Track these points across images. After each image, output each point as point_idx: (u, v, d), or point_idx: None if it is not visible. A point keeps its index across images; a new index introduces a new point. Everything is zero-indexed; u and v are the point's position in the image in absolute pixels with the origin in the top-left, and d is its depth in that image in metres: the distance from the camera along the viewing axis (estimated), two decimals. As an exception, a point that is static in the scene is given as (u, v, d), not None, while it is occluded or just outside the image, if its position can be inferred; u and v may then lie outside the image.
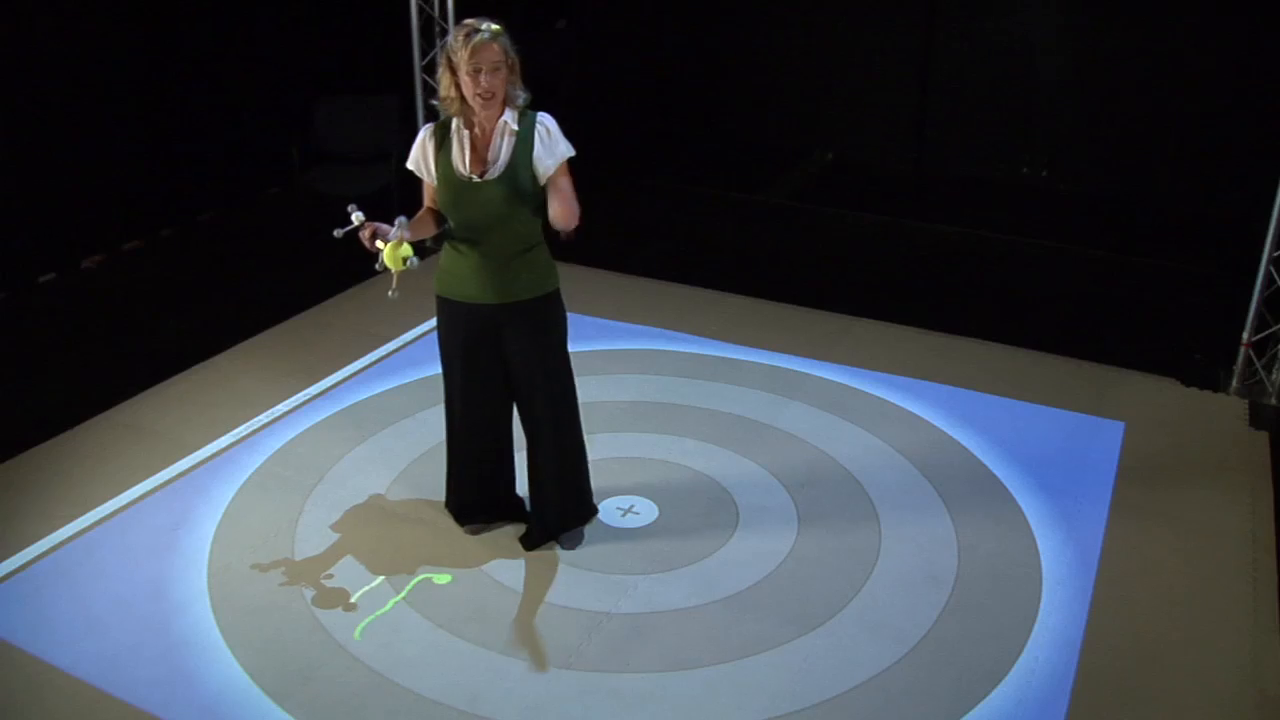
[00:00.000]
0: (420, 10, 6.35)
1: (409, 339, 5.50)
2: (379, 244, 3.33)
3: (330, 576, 3.79)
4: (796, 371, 5.17)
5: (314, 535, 4.00)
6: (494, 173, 3.41)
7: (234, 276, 6.33)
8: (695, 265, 5.98)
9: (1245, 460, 4.50)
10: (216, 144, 6.96)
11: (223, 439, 4.60)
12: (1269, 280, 4.94)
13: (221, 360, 5.30)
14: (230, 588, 3.72)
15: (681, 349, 5.31)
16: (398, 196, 6.71)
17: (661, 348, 5.31)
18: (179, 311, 5.86)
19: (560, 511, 3.96)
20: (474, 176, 3.42)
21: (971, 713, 3.22)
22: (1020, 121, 7.65)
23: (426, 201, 3.63)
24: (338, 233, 3.35)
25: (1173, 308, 5.97)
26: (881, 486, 4.29)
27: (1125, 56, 7.18)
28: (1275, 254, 4.88)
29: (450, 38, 3.36)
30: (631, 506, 4.15)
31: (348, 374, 5.15)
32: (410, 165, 3.57)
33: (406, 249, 3.34)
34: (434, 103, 3.49)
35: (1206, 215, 6.97)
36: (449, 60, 3.34)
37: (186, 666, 3.37)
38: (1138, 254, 6.55)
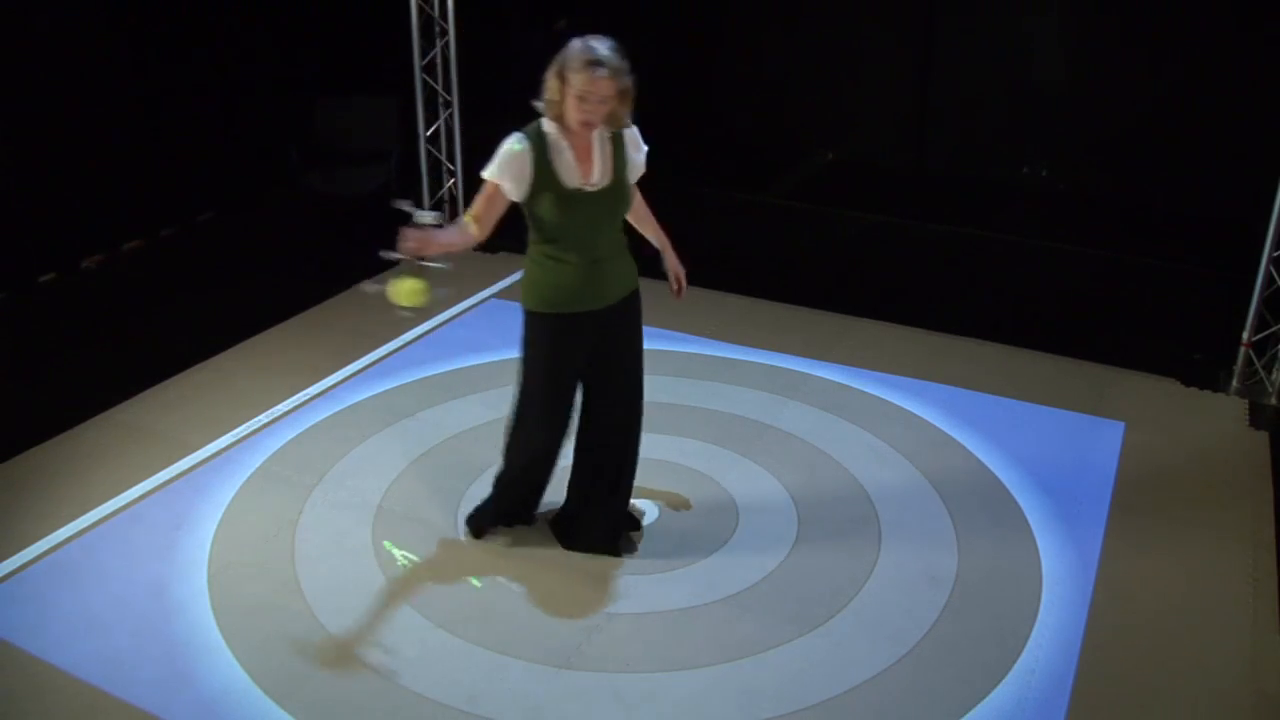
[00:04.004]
0: (420, 10, 6.35)
1: (409, 339, 5.50)
2: (402, 280, 3.28)
3: (330, 576, 3.79)
4: (796, 371, 5.17)
5: (314, 535, 4.00)
6: (601, 181, 3.40)
7: (234, 276, 6.33)
8: (695, 265, 5.96)
9: (1245, 460, 4.50)
10: (216, 144, 6.96)
11: (223, 439, 4.60)
12: (1269, 280, 4.94)
13: (221, 360, 5.30)
14: (230, 588, 3.72)
15: (681, 349, 5.31)
16: (397, 197, 6.72)
17: (661, 348, 5.30)
18: (179, 311, 5.86)
19: (621, 517, 3.96)
20: (584, 186, 3.37)
21: (971, 713, 3.22)
22: (1020, 121, 7.64)
23: (489, 214, 3.44)
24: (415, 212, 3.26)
25: (1173, 308, 5.97)
26: (881, 487, 4.29)
27: (1125, 57, 7.17)
28: (1275, 254, 4.88)
29: (572, 51, 3.24)
30: (632, 506, 4.15)
31: (348, 374, 5.15)
32: (500, 177, 3.36)
33: (421, 284, 3.25)
34: (536, 104, 3.36)
35: (1206, 215, 6.96)
36: (561, 71, 3.26)
37: (186, 666, 3.37)
38: (1138, 254, 6.54)
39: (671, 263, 3.72)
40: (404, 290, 3.29)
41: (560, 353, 3.56)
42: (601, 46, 3.24)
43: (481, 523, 3.99)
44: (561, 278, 3.46)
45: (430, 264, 3.31)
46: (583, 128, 3.31)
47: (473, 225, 3.43)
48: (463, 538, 3.98)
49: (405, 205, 3.30)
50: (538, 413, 3.67)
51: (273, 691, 3.28)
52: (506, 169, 3.35)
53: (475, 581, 3.77)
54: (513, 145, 3.35)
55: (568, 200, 3.36)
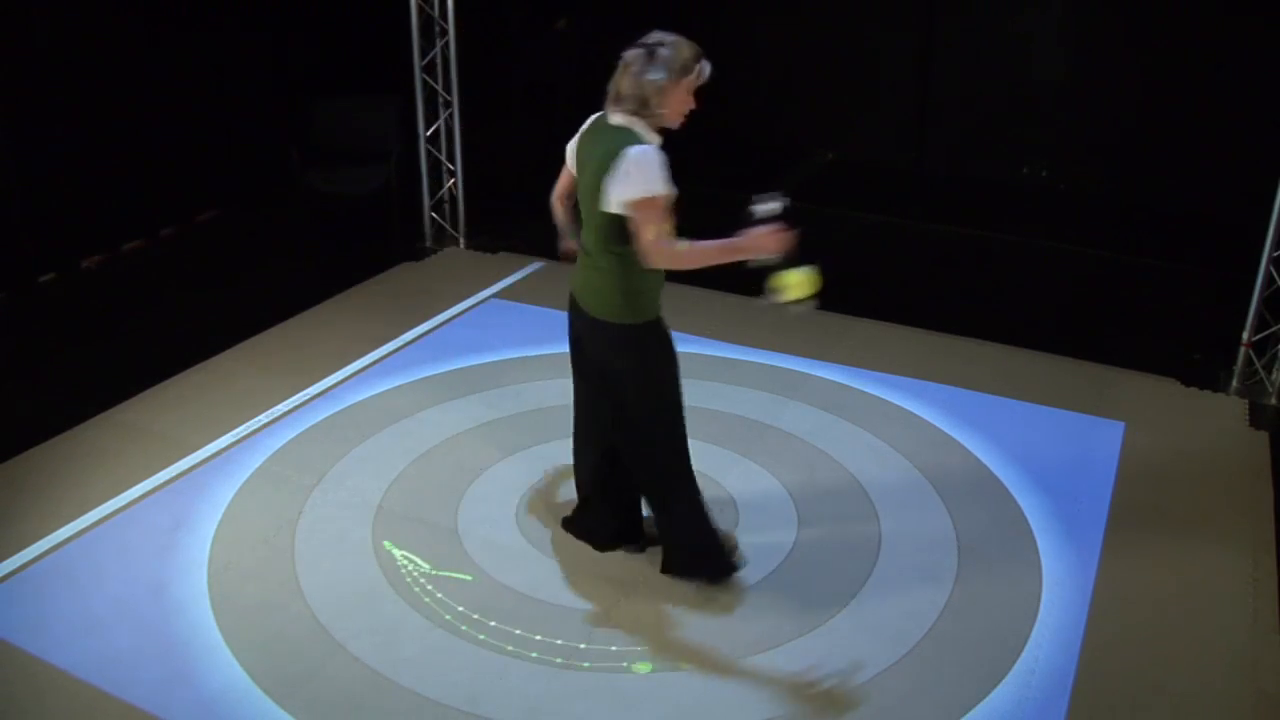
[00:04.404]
0: (420, 10, 6.35)
1: (409, 339, 5.50)
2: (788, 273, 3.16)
3: (330, 576, 3.79)
4: (796, 371, 5.17)
5: (314, 535, 4.00)
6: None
7: (234, 276, 6.33)
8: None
9: (1245, 460, 4.50)
10: (216, 144, 6.96)
11: (223, 439, 4.60)
12: (1269, 280, 4.94)
13: (221, 360, 5.30)
14: (230, 588, 3.72)
15: (681, 349, 5.29)
16: (397, 197, 6.73)
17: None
18: (179, 311, 5.86)
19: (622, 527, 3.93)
20: None
21: (971, 713, 3.22)
22: (1020, 121, 7.65)
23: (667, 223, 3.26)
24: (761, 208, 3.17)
25: (1173, 308, 5.97)
26: (881, 486, 4.29)
27: (1126, 56, 7.18)
28: (1275, 254, 4.88)
29: (683, 51, 3.20)
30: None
31: (348, 374, 5.15)
32: (667, 186, 3.21)
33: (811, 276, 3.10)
34: (657, 113, 3.22)
35: (1206, 215, 6.97)
36: (681, 75, 3.19)
37: (186, 666, 3.37)
38: (1138, 254, 6.55)
39: (748, 239, 3.39)
40: (797, 282, 3.19)
41: (673, 357, 3.50)
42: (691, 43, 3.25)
43: (728, 564, 3.75)
44: (654, 284, 3.40)
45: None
46: (676, 123, 3.27)
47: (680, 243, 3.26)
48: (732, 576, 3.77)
49: (764, 199, 3.21)
50: (678, 411, 3.55)
51: (273, 691, 3.28)
52: (666, 174, 3.21)
53: (467, 576, 3.77)
54: (655, 152, 3.20)
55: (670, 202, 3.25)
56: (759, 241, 3.24)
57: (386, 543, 3.97)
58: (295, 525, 4.05)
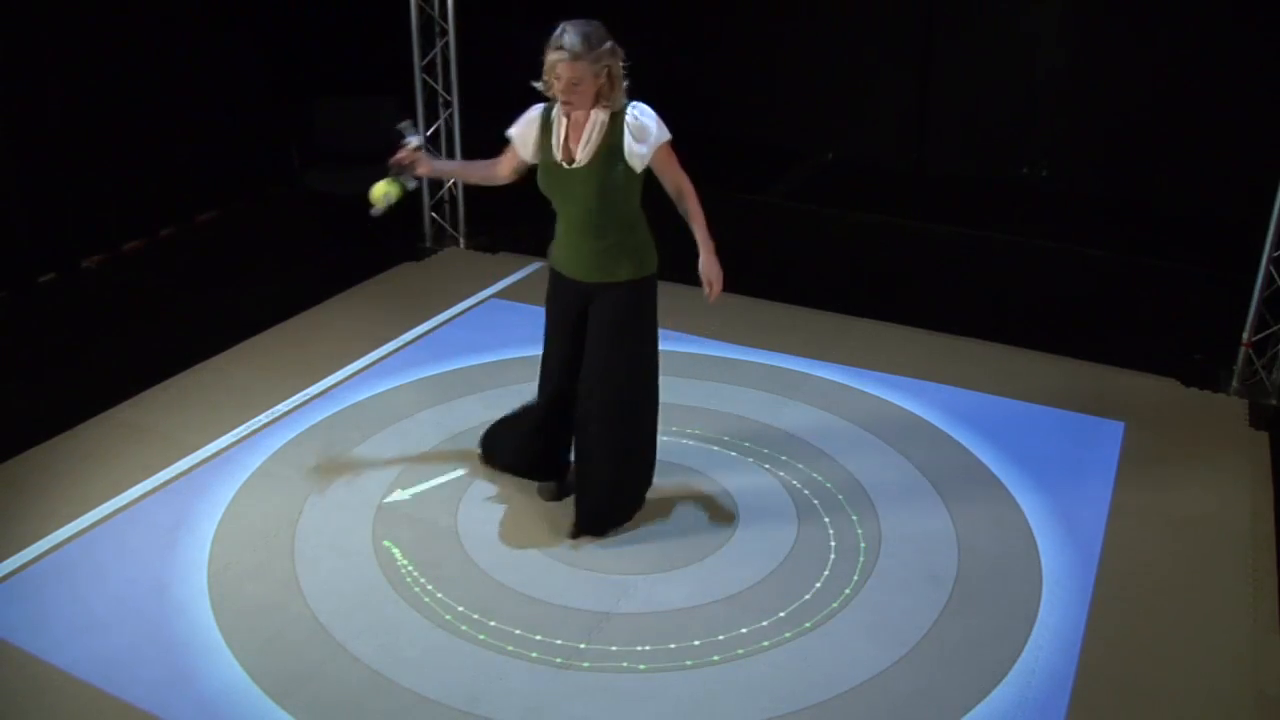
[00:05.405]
0: (420, 10, 6.35)
1: (409, 339, 5.50)
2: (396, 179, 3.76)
3: (330, 576, 3.78)
4: (796, 371, 5.17)
5: (314, 535, 4.00)
6: (581, 162, 3.58)
7: (234, 276, 6.33)
8: (695, 265, 5.98)
9: (1245, 460, 4.50)
10: (216, 144, 6.96)
11: (223, 439, 4.59)
12: (1269, 280, 4.94)
13: (221, 360, 5.30)
14: (230, 588, 3.72)
15: (681, 349, 5.31)
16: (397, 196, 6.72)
17: (662, 348, 5.29)
18: (179, 311, 5.86)
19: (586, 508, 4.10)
20: (564, 163, 3.60)
21: (971, 713, 3.22)
22: (1020, 121, 7.64)
23: (503, 164, 3.85)
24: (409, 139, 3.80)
25: (1173, 308, 5.97)
26: (881, 486, 4.29)
27: (1125, 56, 7.18)
28: (1275, 254, 4.88)
29: (554, 32, 3.48)
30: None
31: (348, 374, 5.15)
32: (513, 133, 3.72)
33: (391, 190, 3.75)
34: (536, 84, 3.59)
35: (1206, 215, 6.97)
36: (546, 53, 3.50)
37: (186, 666, 3.37)
38: (1138, 254, 6.54)
39: (705, 264, 3.68)
40: (378, 190, 3.74)
41: (550, 303, 3.94)
42: (573, 30, 3.44)
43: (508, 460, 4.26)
44: (557, 235, 3.82)
45: (407, 181, 3.79)
46: (565, 107, 3.53)
47: (495, 166, 3.87)
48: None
49: (404, 126, 3.86)
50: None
51: (273, 691, 3.28)
52: (519, 129, 3.70)
53: (469, 582, 3.77)
54: (530, 111, 3.68)
55: (548, 172, 3.65)
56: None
57: (386, 542, 3.97)
58: (295, 525, 4.05)
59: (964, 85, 7.77)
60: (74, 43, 6.14)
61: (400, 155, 3.77)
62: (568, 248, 3.77)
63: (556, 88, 3.49)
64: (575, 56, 3.41)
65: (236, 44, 7.05)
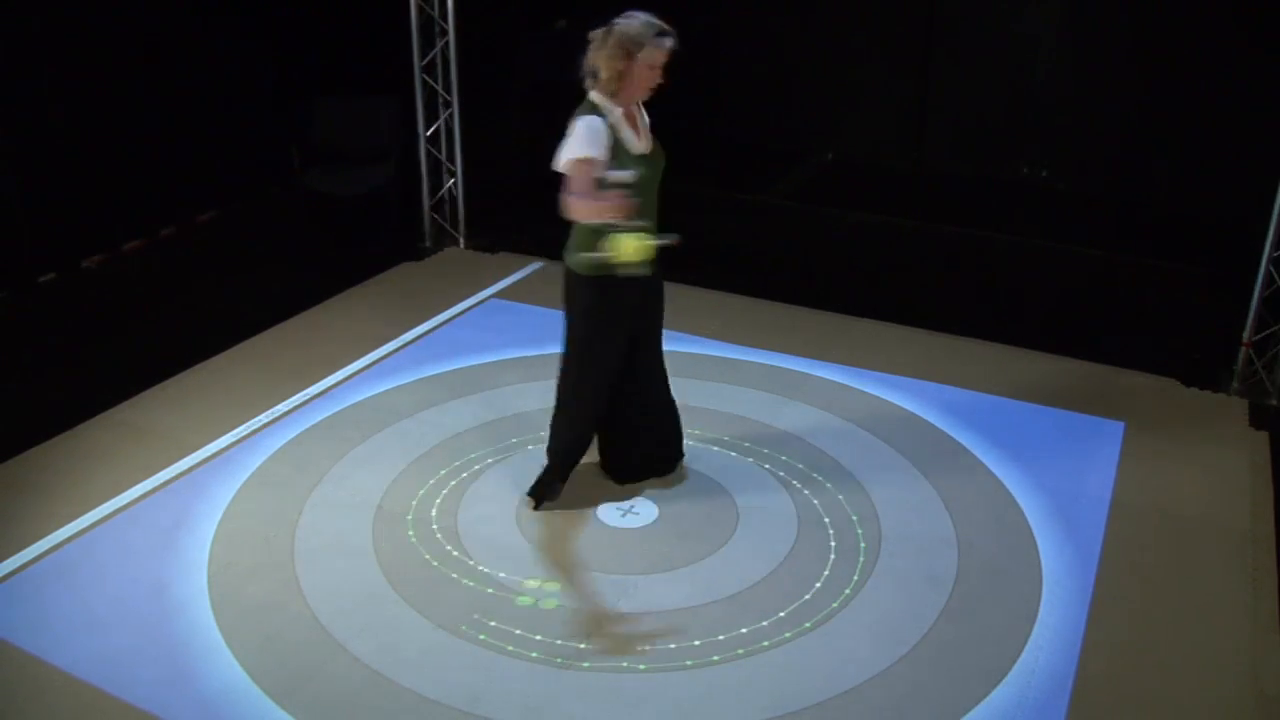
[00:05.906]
0: (420, 10, 6.35)
1: (409, 339, 5.50)
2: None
3: (330, 576, 3.79)
4: (796, 371, 5.17)
5: (314, 535, 4.00)
6: (648, 146, 3.69)
7: (234, 276, 6.33)
8: (695, 265, 5.99)
9: (1245, 460, 4.50)
10: (216, 144, 6.96)
11: (223, 439, 4.60)
12: (1269, 280, 4.94)
13: (221, 360, 5.30)
14: (230, 588, 3.72)
15: (681, 349, 5.31)
16: (397, 196, 6.73)
17: (663, 348, 5.30)
18: (179, 311, 5.86)
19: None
20: (645, 151, 3.67)
21: (971, 713, 3.22)
22: (1020, 121, 7.64)
23: (591, 191, 3.55)
24: None
25: (1173, 308, 5.97)
26: (881, 486, 4.29)
27: (1126, 57, 7.18)
28: (1275, 254, 4.88)
29: (634, 26, 3.49)
30: (631, 506, 4.15)
31: (348, 374, 5.15)
32: (593, 154, 3.52)
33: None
34: (590, 86, 3.58)
35: (1206, 215, 6.96)
36: (626, 48, 3.49)
37: (186, 666, 3.37)
38: (1138, 254, 6.54)
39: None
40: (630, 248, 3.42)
41: (606, 322, 3.88)
42: (654, 19, 3.51)
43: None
44: (622, 240, 3.56)
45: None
46: (638, 97, 3.60)
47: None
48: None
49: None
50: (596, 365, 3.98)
51: (273, 691, 3.28)
52: (597, 147, 3.53)
53: (468, 582, 3.77)
54: (589, 124, 3.54)
55: (641, 163, 3.63)
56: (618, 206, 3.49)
57: (387, 542, 3.97)
58: (295, 525, 4.05)
59: (964, 85, 7.77)
60: (74, 43, 6.13)
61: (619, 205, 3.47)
62: (643, 244, 3.54)
63: (651, 79, 3.54)
64: (675, 40, 3.51)
65: (237, 44, 7.04)
